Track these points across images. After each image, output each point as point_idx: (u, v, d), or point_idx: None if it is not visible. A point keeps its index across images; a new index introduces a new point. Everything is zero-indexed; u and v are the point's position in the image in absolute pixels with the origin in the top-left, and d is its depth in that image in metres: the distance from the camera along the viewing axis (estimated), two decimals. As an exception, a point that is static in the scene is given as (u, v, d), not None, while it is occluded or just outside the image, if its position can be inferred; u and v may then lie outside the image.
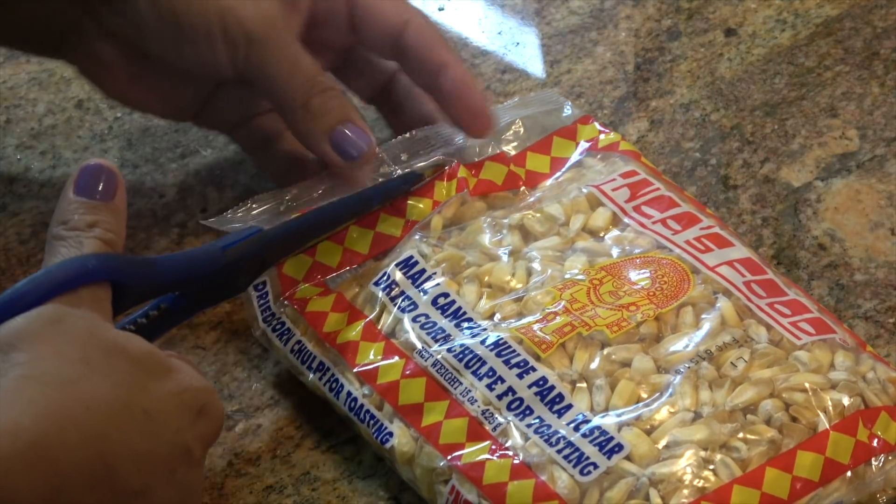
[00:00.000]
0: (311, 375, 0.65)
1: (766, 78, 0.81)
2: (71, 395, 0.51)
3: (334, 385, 0.64)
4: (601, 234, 0.67)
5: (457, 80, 0.70)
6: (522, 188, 0.71)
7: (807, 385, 0.60)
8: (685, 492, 0.57)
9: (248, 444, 0.65)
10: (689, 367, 0.61)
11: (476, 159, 0.71)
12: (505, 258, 0.66)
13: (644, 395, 0.60)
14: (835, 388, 0.61)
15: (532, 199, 0.69)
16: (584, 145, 0.72)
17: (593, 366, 0.61)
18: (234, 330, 0.70)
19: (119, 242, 0.58)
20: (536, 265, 0.65)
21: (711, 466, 0.58)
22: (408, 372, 0.62)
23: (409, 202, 0.69)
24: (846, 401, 0.60)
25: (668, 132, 0.79)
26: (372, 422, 0.62)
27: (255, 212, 0.68)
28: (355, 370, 0.63)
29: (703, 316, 0.63)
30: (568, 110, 0.73)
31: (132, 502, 0.52)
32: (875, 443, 0.60)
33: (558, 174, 0.71)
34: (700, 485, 0.58)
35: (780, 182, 0.76)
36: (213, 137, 0.79)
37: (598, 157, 0.72)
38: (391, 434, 0.62)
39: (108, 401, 0.52)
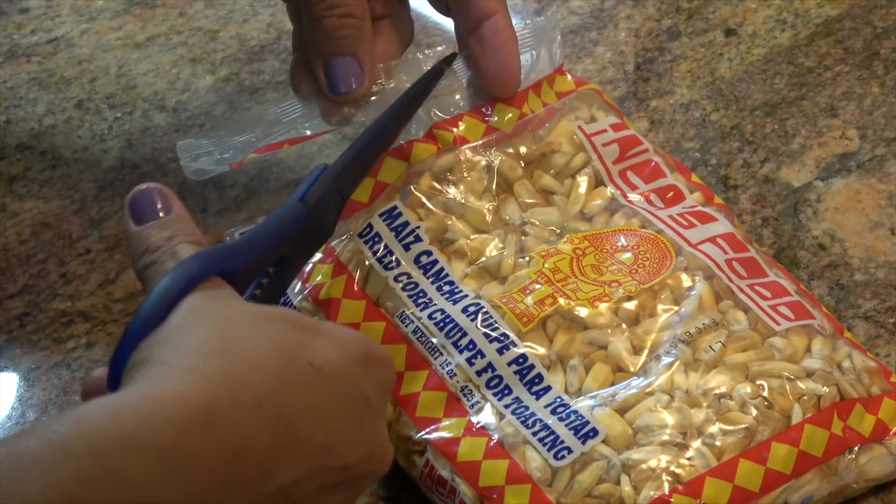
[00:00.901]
0: None
1: (766, 78, 0.81)
2: (234, 360, 0.49)
3: None
4: (592, 209, 0.67)
5: (498, 33, 0.67)
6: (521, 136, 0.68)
7: (781, 372, 0.60)
8: (657, 483, 0.58)
9: (249, 444, 0.65)
10: (665, 351, 0.61)
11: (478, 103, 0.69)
12: (491, 222, 0.65)
13: (618, 379, 0.60)
14: (810, 378, 0.61)
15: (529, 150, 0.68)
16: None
17: (571, 348, 0.61)
18: (234, 330, 0.70)
19: (203, 241, 0.57)
20: (524, 237, 0.65)
21: (686, 455, 0.58)
22: (388, 338, 0.62)
23: (414, 146, 0.67)
24: (821, 392, 0.60)
25: (668, 132, 0.79)
26: None
27: (237, 138, 0.67)
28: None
29: (683, 297, 0.63)
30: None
31: (325, 459, 0.49)
32: (849, 435, 0.60)
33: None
34: (672, 476, 0.58)
35: (780, 182, 0.76)
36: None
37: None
38: None
39: (272, 360, 0.49)
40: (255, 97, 0.83)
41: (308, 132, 0.68)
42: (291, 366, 0.50)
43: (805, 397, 0.60)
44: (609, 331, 0.61)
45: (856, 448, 0.60)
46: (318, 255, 0.65)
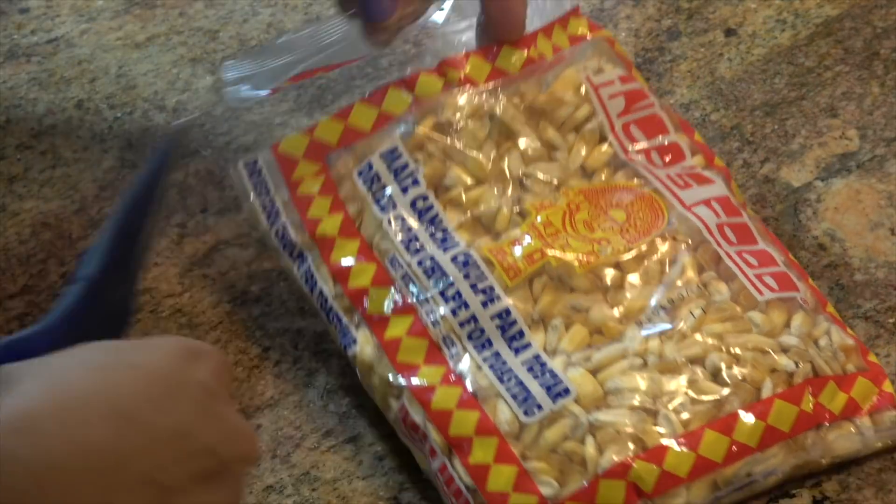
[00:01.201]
0: (291, 263, 0.65)
1: (766, 78, 0.81)
2: (50, 378, 0.50)
3: (309, 278, 0.65)
4: (593, 165, 0.67)
5: None
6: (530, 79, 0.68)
7: (756, 346, 0.60)
8: (620, 447, 0.58)
9: (248, 444, 0.65)
10: (645, 317, 0.61)
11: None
12: (490, 172, 0.65)
13: (596, 341, 0.61)
14: (785, 353, 0.61)
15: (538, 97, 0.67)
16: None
17: (554, 308, 0.61)
18: (234, 330, 0.70)
19: None
20: (522, 191, 0.65)
21: (653, 422, 0.59)
22: (378, 280, 0.63)
23: (420, 77, 0.67)
24: (794, 369, 0.60)
25: (668, 132, 0.78)
26: (339, 325, 0.63)
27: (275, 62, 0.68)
28: (330, 264, 0.64)
29: (669, 265, 0.63)
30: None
31: (181, 443, 0.50)
32: (819, 412, 0.60)
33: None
34: (636, 442, 0.58)
35: (780, 182, 0.76)
36: (213, 137, 0.79)
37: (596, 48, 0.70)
38: (355, 341, 0.63)
39: (94, 367, 0.51)
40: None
41: (343, 59, 0.68)
42: (114, 371, 0.51)
43: (777, 372, 0.60)
44: (592, 295, 0.61)
45: (825, 425, 0.60)
46: (316, 187, 0.65)
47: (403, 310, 0.62)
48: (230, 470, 0.52)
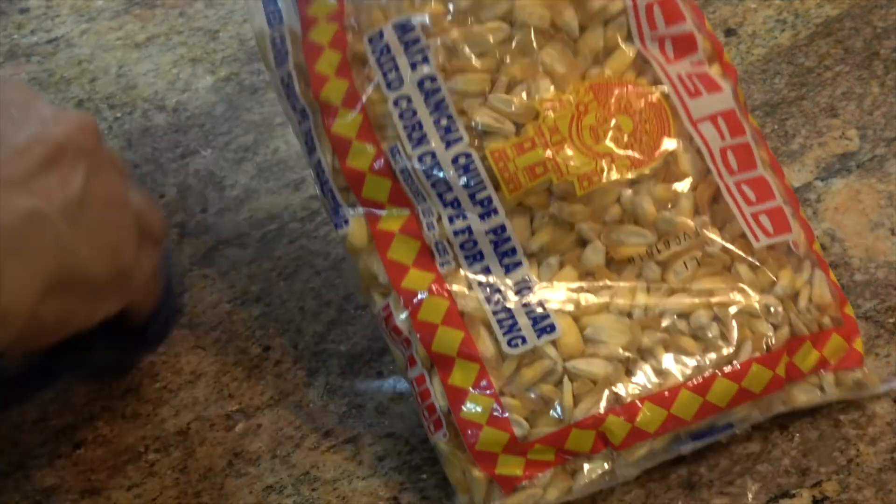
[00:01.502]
0: (293, 115, 0.63)
1: (766, 78, 0.81)
2: None
3: (309, 141, 0.63)
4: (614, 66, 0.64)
5: None
6: None
7: (743, 308, 0.61)
8: (596, 399, 0.59)
9: (248, 444, 0.65)
10: (637, 267, 0.61)
11: None
12: (501, 53, 0.62)
13: (586, 286, 0.61)
14: (770, 315, 0.61)
15: None
16: None
17: (551, 246, 0.61)
18: (234, 330, 0.70)
19: None
20: (534, 79, 0.62)
21: (631, 377, 0.59)
22: (377, 166, 0.61)
23: None
24: (775, 332, 0.61)
25: (668, 132, 0.79)
26: (332, 201, 0.62)
27: None
28: (331, 133, 0.62)
29: (668, 204, 0.62)
30: None
31: None
32: (790, 373, 0.61)
33: None
34: (613, 396, 0.59)
35: (780, 182, 0.76)
36: (212, 137, 0.79)
37: None
38: (347, 222, 0.61)
39: None
40: (255, 97, 0.83)
41: None
42: None
43: (757, 336, 0.61)
44: (589, 224, 0.61)
45: (794, 382, 0.62)
46: (328, 36, 0.62)
47: (400, 201, 0.61)
48: (67, 151, 0.54)
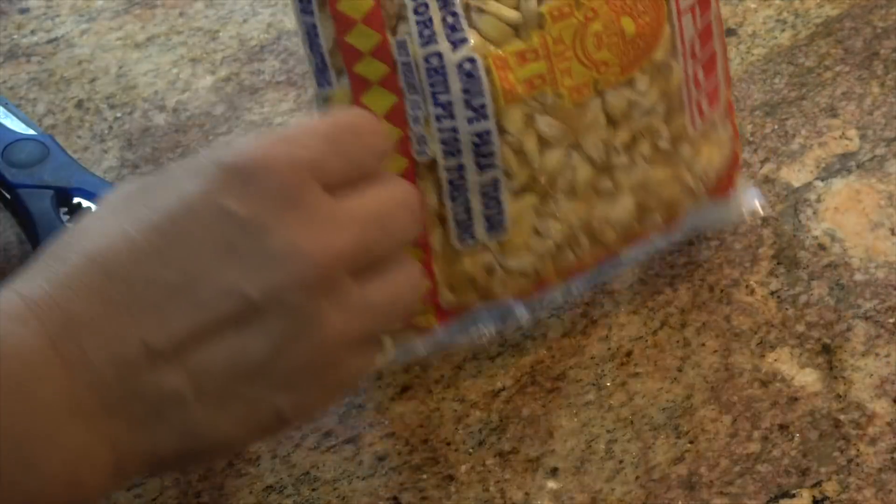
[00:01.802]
0: None
1: (766, 78, 0.81)
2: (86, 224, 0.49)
3: (307, 6, 0.61)
4: None
5: None
6: None
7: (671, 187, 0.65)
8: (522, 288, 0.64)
9: (248, 444, 0.65)
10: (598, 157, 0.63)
11: None
12: None
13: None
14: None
15: None
16: None
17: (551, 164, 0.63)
18: (234, 330, 0.70)
19: None
20: None
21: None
22: (379, 54, 0.60)
23: None
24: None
25: (668, 132, 0.79)
26: (320, 62, 0.61)
27: None
28: (335, 9, 0.60)
29: (642, 134, 0.64)
30: None
31: (190, 295, 0.45)
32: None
33: None
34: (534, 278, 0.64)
35: (780, 182, 0.76)
36: (212, 137, 0.79)
37: None
38: (331, 84, 0.61)
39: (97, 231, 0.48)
40: (255, 97, 0.83)
41: None
42: (120, 223, 0.48)
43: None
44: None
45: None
46: None
47: (390, 88, 0.61)
48: (270, 310, 0.46)
